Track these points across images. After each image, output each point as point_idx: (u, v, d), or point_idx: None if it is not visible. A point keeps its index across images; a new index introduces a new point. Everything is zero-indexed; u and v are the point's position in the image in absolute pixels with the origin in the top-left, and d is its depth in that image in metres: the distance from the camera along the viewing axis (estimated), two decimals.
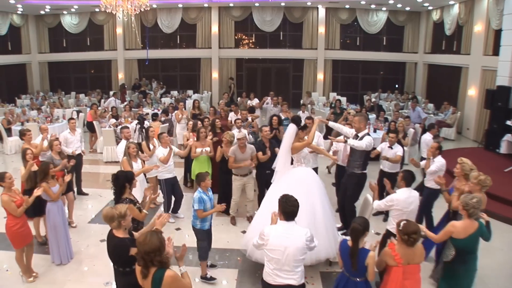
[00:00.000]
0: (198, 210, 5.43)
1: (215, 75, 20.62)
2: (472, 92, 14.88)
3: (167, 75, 21.58)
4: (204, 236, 5.68)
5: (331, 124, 6.91)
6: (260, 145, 7.57)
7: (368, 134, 6.11)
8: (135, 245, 4.03)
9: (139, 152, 7.34)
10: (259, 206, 7.57)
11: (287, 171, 5.83)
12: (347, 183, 6.39)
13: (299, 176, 5.75)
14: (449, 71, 17.04)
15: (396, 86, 20.83)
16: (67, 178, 6.25)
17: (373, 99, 17.83)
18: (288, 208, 4.01)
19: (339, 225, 6.39)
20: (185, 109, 14.82)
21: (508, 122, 10.67)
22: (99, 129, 12.36)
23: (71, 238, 6.48)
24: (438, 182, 5.84)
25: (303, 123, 6.61)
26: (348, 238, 4.27)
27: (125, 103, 15.18)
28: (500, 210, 8.00)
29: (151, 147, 7.83)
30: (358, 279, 4.17)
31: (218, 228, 7.09)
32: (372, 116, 14.70)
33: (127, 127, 8.07)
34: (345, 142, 5.96)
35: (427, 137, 8.62)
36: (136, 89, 19.54)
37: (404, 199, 5.17)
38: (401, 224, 4.11)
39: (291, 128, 5.86)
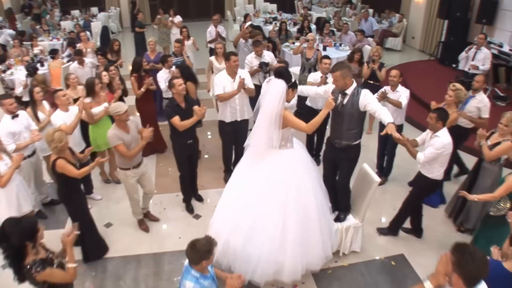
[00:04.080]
0: None
1: None
2: None
3: None
4: None
5: (300, 89, 4.70)
6: (173, 106, 5.16)
7: (359, 87, 4.35)
8: None
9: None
10: (184, 192, 5.74)
11: (270, 154, 4.01)
12: (338, 159, 4.68)
13: (287, 162, 4.03)
14: None
15: None
16: None
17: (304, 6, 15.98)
18: (474, 270, 2.35)
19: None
20: (91, 37, 12.12)
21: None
22: None
23: None
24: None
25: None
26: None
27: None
28: None
29: (42, 116, 5.39)
30: None
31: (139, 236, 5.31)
32: (313, 26, 12.93)
33: (10, 97, 5.15)
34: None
35: None
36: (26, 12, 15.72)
37: (450, 141, 4.46)
38: None
39: (279, 86, 3.85)
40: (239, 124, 5.96)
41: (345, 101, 4.29)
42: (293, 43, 10.47)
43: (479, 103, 5.53)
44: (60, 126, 5.02)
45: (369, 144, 6.97)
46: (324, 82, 6.01)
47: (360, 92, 4.23)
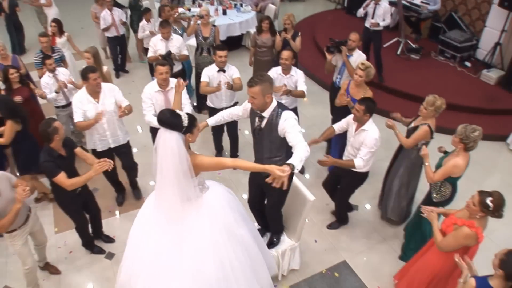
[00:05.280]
0: None
1: None
2: None
3: None
4: None
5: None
6: (54, 159, 3.75)
7: (279, 108, 3.41)
8: None
9: None
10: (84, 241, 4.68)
11: (191, 205, 3.06)
12: (266, 187, 3.59)
13: (213, 206, 3.16)
14: None
15: None
16: None
17: None
18: None
19: (257, 226, 4.28)
20: None
21: None
22: None
23: None
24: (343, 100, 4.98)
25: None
26: None
27: None
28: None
29: None
30: None
31: None
32: None
33: None
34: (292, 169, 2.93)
35: None
36: None
37: (378, 133, 4.19)
38: (489, 202, 3.10)
39: (171, 141, 2.80)
40: (116, 149, 4.92)
41: (263, 124, 3.45)
42: (189, 9, 9.32)
43: (358, 58, 5.47)
44: None
45: None
46: (229, 86, 5.26)
47: (281, 115, 3.35)
